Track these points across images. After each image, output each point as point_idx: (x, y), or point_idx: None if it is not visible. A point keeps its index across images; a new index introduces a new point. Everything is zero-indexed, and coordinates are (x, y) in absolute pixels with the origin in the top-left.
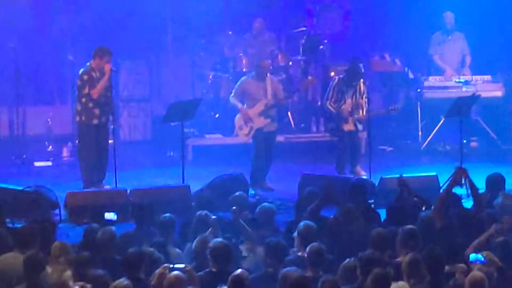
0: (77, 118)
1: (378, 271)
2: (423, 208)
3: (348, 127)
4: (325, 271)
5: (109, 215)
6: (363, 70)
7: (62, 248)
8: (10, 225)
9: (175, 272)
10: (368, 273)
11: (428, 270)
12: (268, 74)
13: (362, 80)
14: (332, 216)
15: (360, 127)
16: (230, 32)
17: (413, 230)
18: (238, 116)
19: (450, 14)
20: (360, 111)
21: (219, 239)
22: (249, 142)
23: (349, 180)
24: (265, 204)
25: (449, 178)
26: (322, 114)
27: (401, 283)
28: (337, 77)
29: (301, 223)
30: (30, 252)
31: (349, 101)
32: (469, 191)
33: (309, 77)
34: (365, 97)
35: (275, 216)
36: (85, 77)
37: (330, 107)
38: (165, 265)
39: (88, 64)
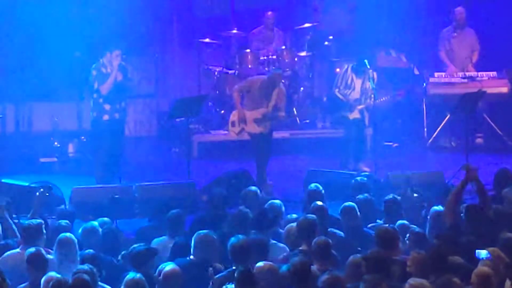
0: (91, 114)
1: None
2: (425, 205)
3: (353, 115)
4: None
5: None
6: (369, 66)
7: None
8: (16, 221)
9: (171, 266)
10: (374, 271)
11: (432, 268)
12: (278, 87)
13: (371, 69)
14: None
15: (366, 116)
16: (235, 29)
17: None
18: (234, 112)
19: (461, 10)
20: (368, 100)
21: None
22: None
23: (353, 176)
24: (274, 201)
25: (455, 174)
26: (328, 105)
27: (419, 280)
28: (346, 65)
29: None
30: (34, 250)
31: (358, 89)
32: (475, 188)
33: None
34: (373, 85)
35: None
36: (94, 72)
37: (338, 95)
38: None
39: (100, 59)
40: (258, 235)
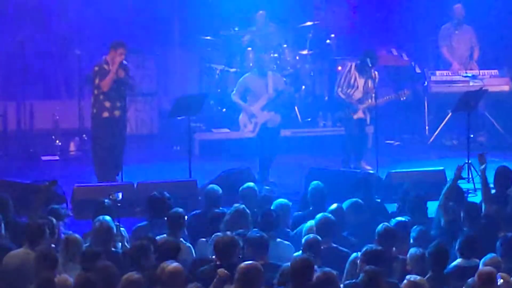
0: (91, 111)
1: (370, 269)
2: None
3: (357, 115)
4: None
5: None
6: (370, 65)
7: (76, 242)
8: (18, 219)
9: (174, 264)
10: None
11: (432, 266)
12: (270, 71)
13: (374, 69)
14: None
15: (368, 116)
16: (237, 28)
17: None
18: (241, 115)
19: (460, 6)
20: (369, 99)
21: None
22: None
23: (356, 175)
24: (281, 200)
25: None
26: (331, 104)
27: (417, 277)
28: (350, 64)
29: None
30: (43, 248)
31: (360, 88)
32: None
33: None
34: (375, 85)
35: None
36: (96, 68)
37: (340, 95)
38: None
39: (104, 57)
40: (258, 233)
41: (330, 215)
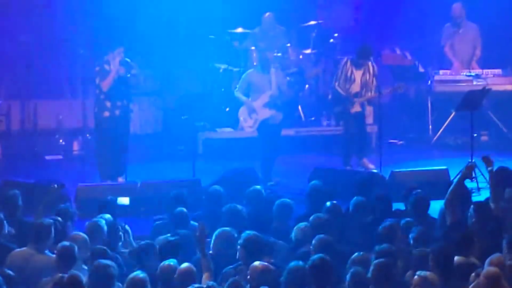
0: (93, 110)
1: (380, 262)
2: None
3: (354, 109)
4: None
5: (122, 200)
6: (366, 56)
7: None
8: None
9: (186, 264)
10: (384, 266)
11: (437, 265)
12: (273, 68)
13: (371, 62)
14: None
15: (367, 110)
16: (240, 27)
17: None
18: (241, 109)
19: (458, 6)
20: (369, 92)
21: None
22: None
23: (359, 174)
24: (285, 199)
25: (460, 172)
26: (330, 99)
27: (428, 272)
28: (346, 58)
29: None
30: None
31: (358, 81)
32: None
33: (315, 69)
34: (374, 78)
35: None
36: (97, 68)
37: (338, 89)
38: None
39: (104, 57)
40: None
41: (324, 215)
